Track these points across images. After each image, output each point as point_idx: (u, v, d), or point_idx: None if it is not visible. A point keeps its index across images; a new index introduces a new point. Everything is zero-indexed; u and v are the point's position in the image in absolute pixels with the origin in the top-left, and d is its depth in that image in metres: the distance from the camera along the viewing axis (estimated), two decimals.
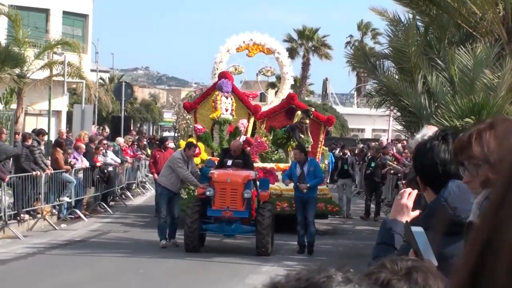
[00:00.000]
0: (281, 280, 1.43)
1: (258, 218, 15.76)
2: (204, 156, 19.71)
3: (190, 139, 20.35)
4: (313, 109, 21.71)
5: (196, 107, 21.16)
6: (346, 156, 24.72)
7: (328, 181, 25.94)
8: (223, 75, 20.85)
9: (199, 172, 17.37)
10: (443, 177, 3.55)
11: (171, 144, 25.00)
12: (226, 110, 20.20)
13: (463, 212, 3.44)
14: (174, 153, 18.02)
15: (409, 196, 3.69)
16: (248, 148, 19.09)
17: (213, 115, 20.17)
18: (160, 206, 17.09)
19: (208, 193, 15.89)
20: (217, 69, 22.53)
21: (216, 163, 17.76)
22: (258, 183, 17.05)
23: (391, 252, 3.56)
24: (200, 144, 19.84)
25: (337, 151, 31.37)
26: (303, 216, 16.56)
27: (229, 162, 16.88)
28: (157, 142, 26.52)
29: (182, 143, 19.90)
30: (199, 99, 21.78)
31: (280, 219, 17.28)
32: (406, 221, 3.31)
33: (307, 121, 20.42)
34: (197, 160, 18.98)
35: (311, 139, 20.42)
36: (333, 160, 27.38)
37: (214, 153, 19.99)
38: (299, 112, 20.70)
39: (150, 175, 25.65)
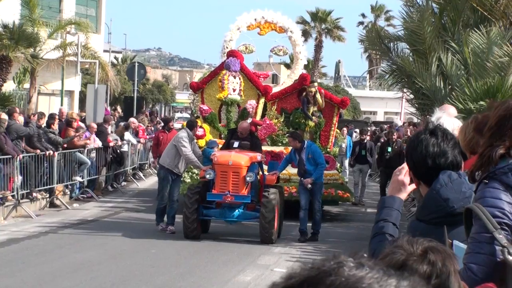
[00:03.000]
0: (296, 270, 1.47)
1: (263, 202, 14.87)
2: (210, 138, 18.98)
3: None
4: (316, 84, 20.60)
5: (203, 87, 20.44)
6: (365, 141, 23.48)
7: (346, 165, 25.46)
8: (231, 54, 20.06)
9: (201, 153, 16.67)
10: (433, 170, 3.58)
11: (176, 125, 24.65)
12: (234, 90, 19.48)
13: (456, 203, 3.49)
14: (179, 132, 16.87)
15: (406, 172, 3.72)
16: (259, 126, 18.53)
17: (220, 95, 19.47)
18: (163, 190, 16.10)
19: (208, 176, 15.09)
20: (227, 47, 21.72)
21: (221, 145, 16.95)
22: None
23: (389, 228, 3.61)
24: (206, 126, 19.37)
25: (354, 135, 30.85)
26: (307, 202, 15.77)
27: (236, 144, 15.95)
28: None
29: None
30: (206, 79, 21.00)
31: (289, 204, 16.67)
32: (451, 241, 3.35)
33: (312, 89, 19.58)
34: (201, 142, 18.63)
35: (322, 103, 19.60)
36: (351, 144, 25.79)
37: (222, 135, 19.26)
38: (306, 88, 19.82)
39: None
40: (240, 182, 15.07)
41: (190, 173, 18.50)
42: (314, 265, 1.45)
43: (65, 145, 20.23)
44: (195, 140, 16.73)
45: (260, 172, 15.88)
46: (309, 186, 15.68)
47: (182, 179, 17.65)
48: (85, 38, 28.80)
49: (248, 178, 15.06)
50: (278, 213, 15.20)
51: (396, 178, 3.77)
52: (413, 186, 3.75)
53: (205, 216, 15.43)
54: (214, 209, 15.43)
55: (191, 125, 16.66)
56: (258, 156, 15.80)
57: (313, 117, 19.68)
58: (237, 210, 15.27)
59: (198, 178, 16.79)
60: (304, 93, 19.85)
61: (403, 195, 3.76)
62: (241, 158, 15.30)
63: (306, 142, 16.20)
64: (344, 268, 1.43)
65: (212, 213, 15.48)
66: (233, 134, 16.48)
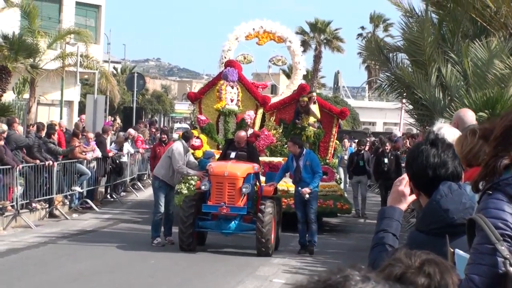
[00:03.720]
0: (302, 283, 1.47)
1: (258, 216, 14.60)
2: (207, 149, 18.82)
3: (193, 131, 19.87)
4: (315, 94, 20.41)
5: (200, 97, 20.19)
6: (362, 152, 23.08)
7: (348, 178, 25.06)
8: (229, 64, 19.87)
9: (197, 164, 16.44)
10: (434, 181, 3.59)
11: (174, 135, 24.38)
12: (232, 100, 19.25)
13: (456, 213, 3.49)
14: (174, 144, 16.61)
15: (406, 183, 3.73)
16: (258, 137, 18.31)
17: (217, 105, 19.25)
18: (158, 201, 15.85)
19: (203, 187, 14.84)
20: (225, 57, 21.52)
21: (218, 155, 16.75)
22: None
23: (389, 239, 3.62)
24: (203, 136, 19.17)
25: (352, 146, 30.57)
26: (303, 213, 15.53)
27: (233, 154, 15.66)
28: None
29: (194, 132, 19.54)
30: (204, 89, 20.73)
31: (288, 215, 16.41)
32: (453, 250, 3.35)
33: (305, 99, 19.30)
34: (198, 153, 18.47)
35: (317, 115, 19.32)
36: None
37: (219, 146, 18.96)
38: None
39: None
40: (236, 193, 14.77)
41: (187, 184, 18.29)
42: (320, 278, 1.46)
43: (64, 155, 20.22)
44: (190, 152, 16.49)
45: (258, 183, 15.65)
46: (307, 196, 15.40)
47: (179, 190, 17.55)
48: (86, 47, 28.81)
49: (244, 189, 14.75)
50: (275, 225, 15.00)
51: (396, 188, 3.78)
52: (413, 196, 3.76)
53: (201, 228, 15.18)
54: (210, 220, 15.17)
55: (186, 136, 16.40)
56: (255, 167, 15.52)
57: (310, 127, 19.44)
58: (233, 222, 14.99)
59: (194, 189, 16.54)
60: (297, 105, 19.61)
61: (403, 206, 3.76)
62: (237, 169, 15.01)
63: (305, 149, 15.98)
64: (350, 281, 1.43)
65: (208, 225, 15.20)
66: (230, 145, 16.21)
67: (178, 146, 15.83)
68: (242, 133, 16.38)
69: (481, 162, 4.50)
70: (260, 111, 20.17)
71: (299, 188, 15.54)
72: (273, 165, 18.46)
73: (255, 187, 15.51)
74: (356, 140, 29.90)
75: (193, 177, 17.66)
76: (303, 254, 15.46)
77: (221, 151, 17.16)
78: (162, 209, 15.83)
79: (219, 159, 16.20)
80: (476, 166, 4.59)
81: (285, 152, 19.09)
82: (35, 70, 26.37)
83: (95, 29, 39.03)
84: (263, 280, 12.87)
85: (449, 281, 2.27)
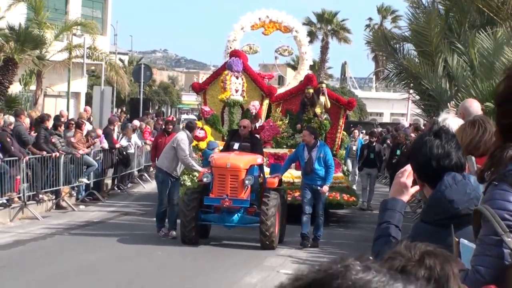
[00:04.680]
0: (304, 272, 1.47)
1: (262, 208, 14.31)
2: (211, 140, 18.48)
3: (197, 122, 19.78)
4: (324, 85, 20.15)
5: (205, 88, 19.94)
6: (374, 144, 22.53)
7: (356, 170, 24.56)
8: (234, 54, 19.52)
9: (194, 155, 16.25)
10: (438, 172, 3.58)
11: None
12: (236, 91, 18.89)
13: (460, 204, 3.49)
14: (177, 134, 16.22)
15: (408, 175, 3.72)
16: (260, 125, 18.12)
17: (222, 96, 18.91)
18: (162, 193, 15.69)
19: (205, 179, 14.55)
20: (230, 48, 21.24)
21: (222, 147, 16.49)
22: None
23: (392, 230, 3.62)
24: (207, 128, 19.02)
25: (360, 136, 30.26)
26: (310, 206, 15.11)
27: (236, 146, 15.30)
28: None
29: (198, 123, 19.48)
30: (208, 80, 20.43)
31: (293, 207, 16.06)
32: (458, 240, 3.35)
33: (311, 91, 19.07)
34: (202, 145, 18.28)
35: (327, 103, 19.06)
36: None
37: (224, 137, 18.56)
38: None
39: None
40: (239, 185, 14.43)
41: (190, 175, 17.99)
42: (321, 267, 1.46)
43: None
44: (193, 143, 16.31)
45: (261, 175, 15.39)
46: (327, 194, 15.30)
47: (182, 182, 17.37)
48: (93, 39, 28.82)
49: (247, 181, 14.40)
50: (279, 218, 14.76)
51: (399, 180, 3.77)
52: (416, 188, 3.75)
53: (203, 221, 14.90)
54: (213, 213, 14.92)
55: (190, 127, 16.17)
56: (259, 159, 15.26)
57: (316, 118, 19.24)
58: (236, 215, 14.72)
59: (197, 181, 16.22)
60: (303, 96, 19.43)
61: (405, 198, 3.76)
62: (240, 160, 14.68)
63: (319, 141, 15.68)
64: (351, 271, 1.43)
65: (210, 218, 14.89)
66: (233, 136, 15.92)
67: (183, 137, 15.57)
68: (247, 121, 16.14)
69: (482, 153, 4.50)
70: (266, 102, 19.95)
71: (319, 188, 15.12)
72: (278, 156, 18.28)
73: (259, 179, 15.30)
74: (364, 131, 29.71)
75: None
76: (309, 246, 15.35)
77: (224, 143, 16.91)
78: (166, 201, 15.71)
79: (222, 151, 15.95)
80: (477, 157, 4.58)
81: (291, 143, 19.01)
82: (41, 61, 26.43)
83: (101, 21, 39.05)
84: (270, 271, 12.89)
85: (450, 272, 2.26)
